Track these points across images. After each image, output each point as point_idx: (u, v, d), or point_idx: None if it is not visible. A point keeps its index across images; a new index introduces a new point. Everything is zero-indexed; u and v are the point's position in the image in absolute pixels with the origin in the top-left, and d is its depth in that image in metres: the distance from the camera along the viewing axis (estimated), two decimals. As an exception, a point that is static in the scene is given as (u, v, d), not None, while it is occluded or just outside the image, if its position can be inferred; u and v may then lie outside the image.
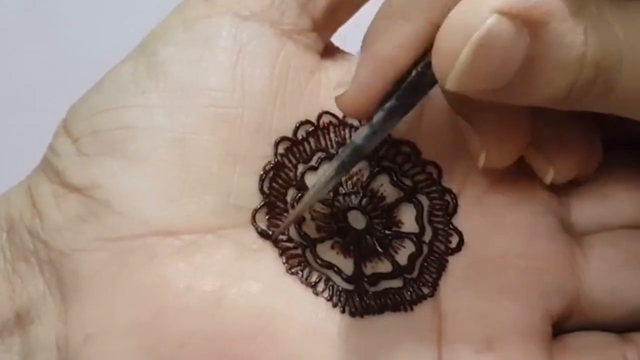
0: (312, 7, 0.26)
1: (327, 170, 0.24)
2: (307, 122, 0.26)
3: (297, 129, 0.26)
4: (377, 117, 0.23)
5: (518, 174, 0.28)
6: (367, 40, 0.23)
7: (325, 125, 0.26)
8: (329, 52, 0.27)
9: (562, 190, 0.28)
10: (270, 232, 0.25)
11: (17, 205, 0.24)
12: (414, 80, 0.22)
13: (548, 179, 0.26)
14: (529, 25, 0.20)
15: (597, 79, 0.21)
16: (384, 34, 0.22)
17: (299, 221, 0.25)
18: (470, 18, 0.19)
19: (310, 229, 0.26)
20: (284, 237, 0.25)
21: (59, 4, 0.36)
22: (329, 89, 0.26)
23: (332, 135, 0.26)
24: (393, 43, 0.22)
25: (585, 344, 0.26)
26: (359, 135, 0.23)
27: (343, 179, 0.26)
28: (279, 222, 0.25)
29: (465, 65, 0.20)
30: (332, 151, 0.26)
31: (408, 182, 0.27)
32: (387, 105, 0.23)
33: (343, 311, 0.24)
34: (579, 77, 0.21)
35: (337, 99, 0.23)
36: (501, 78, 0.20)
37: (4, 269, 0.24)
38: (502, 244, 0.27)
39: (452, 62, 0.20)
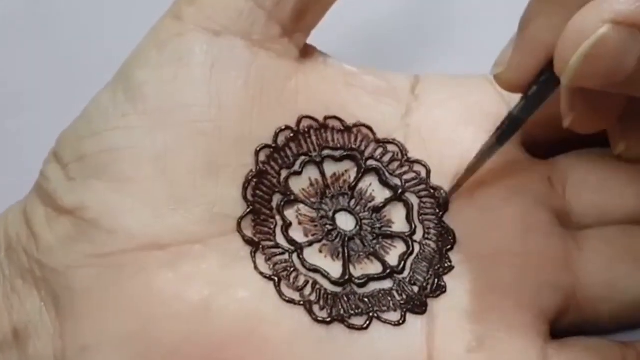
0: (279, 13, 0.26)
1: (488, 140, 0.26)
2: (287, 128, 0.26)
3: (277, 135, 0.26)
4: (532, 90, 0.24)
5: (511, 168, 0.28)
6: (524, 23, 0.24)
7: (306, 129, 0.26)
8: (308, 54, 0.28)
9: (558, 181, 0.28)
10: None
11: (14, 225, 0.25)
12: None
13: (618, 151, 0.27)
14: None
15: None
16: (539, 18, 0.23)
17: (287, 226, 0.26)
18: (584, 26, 0.21)
19: (297, 233, 0.26)
20: (271, 244, 0.25)
21: (57, 6, 0.37)
22: (307, 94, 0.27)
23: (313, 138, 0.27)
24: (547, 28, 0.23)
25: (583, 345, 0.26)
26: (516, 108, 0.25)
27: (329, 181, 0.27)
28: (266, 229, 0.25)
29: (575, 69, 0.21)
30: (314, 154, 0.27)
31: (396, 181, 0.27)
32: (542, 79, 0.24)
33: (330, 314, 0.25)
34: None
35: (495, 77, 0.25)
36: (616, 76, 0.22)
37: (3, 285, 0.25)
38: (495, 240, 0.27)
39: (567, 64, 0.22)
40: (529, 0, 0.24)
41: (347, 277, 0.25)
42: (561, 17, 0.22)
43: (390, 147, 0.27)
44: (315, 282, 0.25)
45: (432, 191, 0.27)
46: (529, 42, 0.24)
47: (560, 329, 0.27)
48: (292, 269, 0.25)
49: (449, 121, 0.28)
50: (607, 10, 0.21)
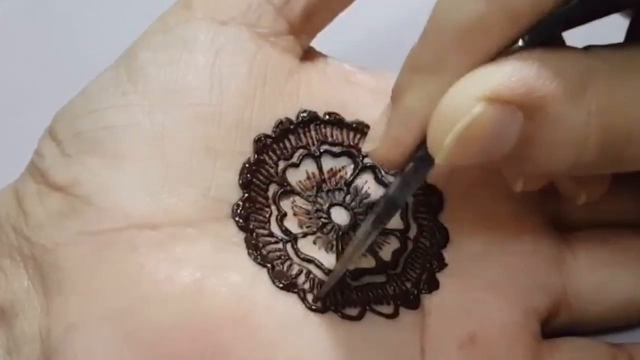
0: (288, 11, 0.26)
1: (364, 225, 0.23)
2: (287, 120, 0.26)
3: (277, 126, 0.26)
4: (408, 168, 0.22)
5: None
6: (397, 94, 0.22)
7: (306, 123, 0.26)
8: (310, 56, 0.28)
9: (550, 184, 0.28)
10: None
11: (3, 205, 0.25)
12: None
13: (581, 202, 0.25)
14: (523, 108, 0.20)
15: (602, 157, 0.21)
16: (413, 90, 0.22)
17: (282, 216, 0.26)
18: (457, 105, 0.20)
19: (292, 224, 0.26)
20: (265, 232, 0.25)
21: (54, 6, 0.37)
22: (308, 90, 0.27)
23: (312, 133, 0.27)
24: (422, 100, 0.21)
25: (576, 345, 0.26)
26: (392, 187, 0.23)
27: (326, 176, 0.27)
28: (260, 217, 0.25)
29: (449, 150, 0.20)
30: (313, 148, 0.27)
31: (392, 179, 0.27)
32: (417, 155, 0.22)
33: (324, 303, 0.24)
34: (581, 157, 0.21)
35: (369, 153, 0.23)
36: (494, 156, 0.20)
37: None
38: (487, 240, 0.27)
39: (441, 145, 0.20)
40: (400, 71, 0.22)
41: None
42: (437, 86, 0.21)
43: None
44: (309, 272, 0.25)
45: (427, 190, 0.27)
46: (403, 116, 0.22)
47: (551, 330, 0.27)
48: (285, 258, 0.25)
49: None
50: (481, 87, 0.20)
